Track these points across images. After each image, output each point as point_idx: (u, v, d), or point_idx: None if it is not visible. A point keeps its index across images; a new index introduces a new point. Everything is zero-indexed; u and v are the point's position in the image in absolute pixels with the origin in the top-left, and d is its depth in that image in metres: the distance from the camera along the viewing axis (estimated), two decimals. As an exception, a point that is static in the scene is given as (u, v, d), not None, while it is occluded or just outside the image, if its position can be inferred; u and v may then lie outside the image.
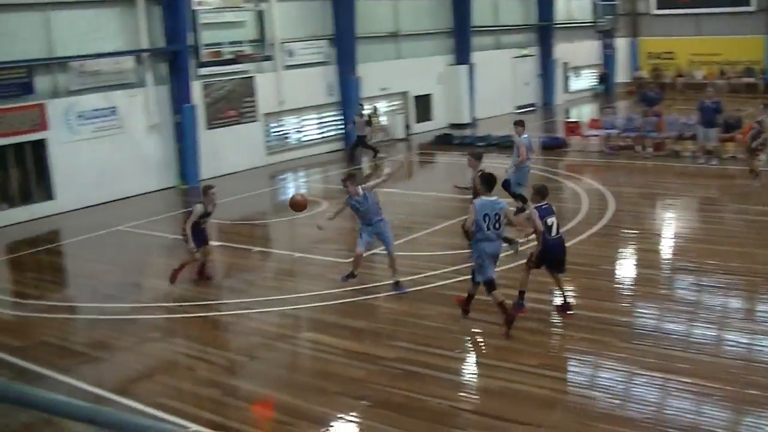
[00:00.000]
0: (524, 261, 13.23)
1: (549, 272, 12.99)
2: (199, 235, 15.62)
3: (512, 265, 14.40)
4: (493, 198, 12.34)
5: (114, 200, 24.82)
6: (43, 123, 23.35)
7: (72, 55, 23.96)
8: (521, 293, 12.90)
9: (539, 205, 12.77)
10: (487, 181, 12.60)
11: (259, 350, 12.41)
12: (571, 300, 12.94)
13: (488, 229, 12.05)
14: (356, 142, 30.72)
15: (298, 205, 15.01)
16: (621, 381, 10.48)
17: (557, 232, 12.81)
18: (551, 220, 12.69)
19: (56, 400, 3.08)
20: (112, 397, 10.75)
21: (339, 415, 9.92)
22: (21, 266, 18.91)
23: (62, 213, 23.49)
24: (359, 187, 14.58)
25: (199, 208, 15.44)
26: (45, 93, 23.53)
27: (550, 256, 12.82)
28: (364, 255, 14.91)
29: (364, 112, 31.15)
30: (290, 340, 12.74)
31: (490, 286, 12.11)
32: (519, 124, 19.97)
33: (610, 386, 10.30)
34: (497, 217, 12.05)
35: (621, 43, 50.12)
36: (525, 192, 17.79)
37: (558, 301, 13.04)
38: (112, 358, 12.49)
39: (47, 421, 9.77)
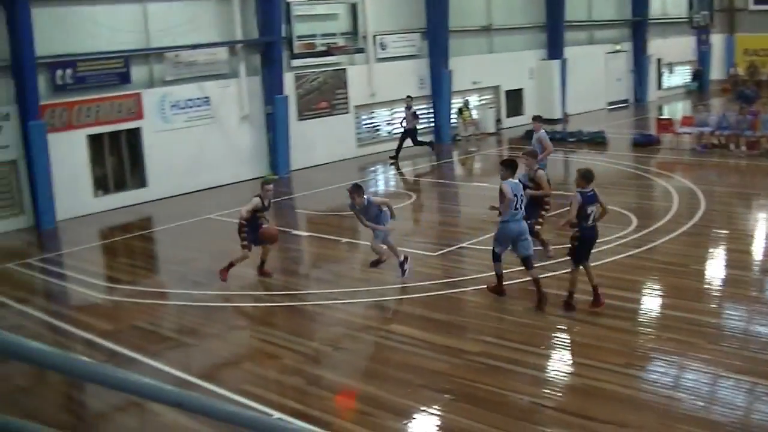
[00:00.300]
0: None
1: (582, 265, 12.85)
2: (255, 230, 15.37)
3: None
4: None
5: (204, 189, 25.21)
6: (138, 112, 23.85)
7: (167, 46, 24.41)
8: (571, 294, 12.79)
9: (584, 191, 12.50)
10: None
11: (344, 341, 12.42)
12: (601, 292, 12.64)
13: (590, 221, 12.56)
14: (406, 136, 29.53)
15: (266, 234, 15.24)
16: (707, 383, 10.16)
17: (593, 221, 12.61)
18: (592, 209, 12.53)
19: (145, 384, 3.08)
20: (198, 382, 10.87)
21: (421, 408, 9.85)
22: (114, 252, 19.33)
23: (154, 200, 23.96)
24: (365, 196, 14.58)
25: (256, 201, 15.37)
26: (141, 83, 24.04)
27: (582, 246, 12.71)
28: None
29: (412, 105, 30.03)
30: (375, 331, 12.72)
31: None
32: (537, 119, 19.54)
33: (696, 388, 9.99)
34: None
35: (716, 39, 48.79)
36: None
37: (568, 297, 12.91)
38: (199, 344, 12.64)
39: (135, 404, 9.97)
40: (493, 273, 13.60)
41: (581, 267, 12.79)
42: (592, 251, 12.99)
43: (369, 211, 14.59)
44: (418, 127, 30.06)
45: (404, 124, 29.53)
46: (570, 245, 12.84)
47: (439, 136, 32.62)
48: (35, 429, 3.69)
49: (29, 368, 11.22)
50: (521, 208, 13.15)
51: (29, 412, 10.25)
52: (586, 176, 12.61)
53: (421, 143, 29.78)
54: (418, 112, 30.01)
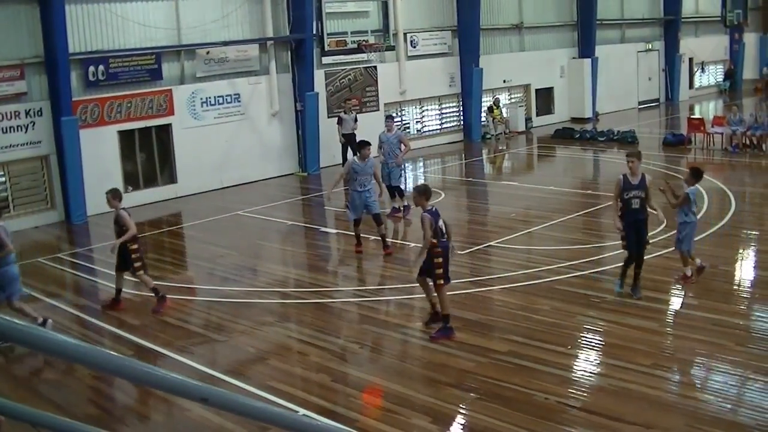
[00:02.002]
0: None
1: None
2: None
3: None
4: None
5: (234, 185, 25.33)
6: (169, 108, 24.00)
7: (199, 42, 24.53)
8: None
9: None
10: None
11: (371, 338, 12.42)
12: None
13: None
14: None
15: None
16: (734, 385, 10.06)
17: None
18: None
19: (172, 379, 3.10)
20: (224, 377, 10.92)
21: (447, 406, 9.83)
22: (143, 247, 19.42)
23: (184, 196, 24.10)
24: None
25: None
26: (172, 79, 24.17)
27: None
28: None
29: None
30: (402, 329, 12.70)
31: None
32: (389, 119, 21.57)
33: (723, 390, 9.89)
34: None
35: (750, 38, 48.32)
36: None
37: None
38: (226, 340, 12.69)
39: (162, 399, 10.03)
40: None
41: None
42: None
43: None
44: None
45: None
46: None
47: (468, 134, 32.58)
48: (64, 423, 3.73)
49: (58, 362, 11.33)
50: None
51: (58, 405, 10.34)
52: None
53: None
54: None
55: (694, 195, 13.75)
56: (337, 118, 27.13)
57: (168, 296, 14.26)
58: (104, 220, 21.43)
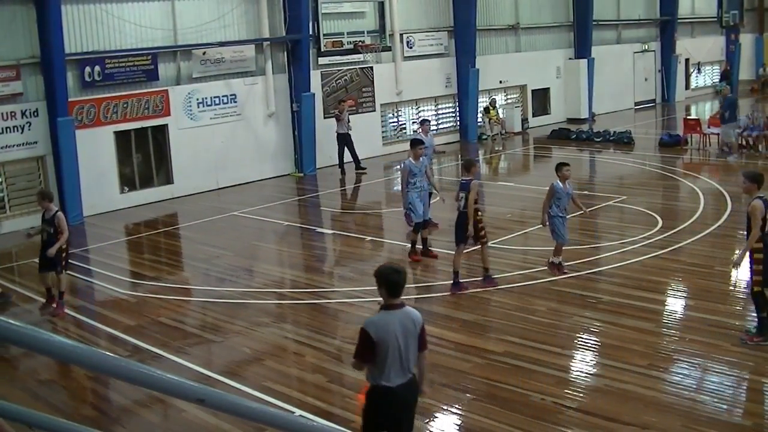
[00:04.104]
0: None
1: None
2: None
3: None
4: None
5: (230, 186, 25.32)
6: (165, 109, 23.98)
7: (195, 43, 24.52)
8: None
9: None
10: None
11: (367, 339, 12.42)
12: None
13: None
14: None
15: None
16: (730, 386, 10.09)
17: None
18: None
19: (168, 379, 3.11)
20: (220, 378, 10.91)
21: (443, 407, 9.84)
22: (139, 248, 19.45)
23: (180, 197, 24.09)
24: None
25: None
26: (168, 80, 24.16)
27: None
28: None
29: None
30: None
31: None
32: None
33: (719, 391, 9.92)
34: None
35: (746, 39, 48.36)
36: None
37: None
38: (222, 341, 12.68)
39: (158, 399, 10.02)
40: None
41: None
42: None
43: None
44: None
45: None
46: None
47: (465, 135, 32.62)
48: (60, 424, 3.73)
49: (54, 362, 11.32)
50: None
51: (53, 406, 10.33)
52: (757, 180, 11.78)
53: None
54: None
55: (560, 189, 14.33)
56: (335, 117, 27.23)
57: (162, 297, 14.26)
58: (101, 221, 21.55)
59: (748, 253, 11.33)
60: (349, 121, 26.97)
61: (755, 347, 10.96)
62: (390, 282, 7.16)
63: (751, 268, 11.19)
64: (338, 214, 21.84)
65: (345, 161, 26.99)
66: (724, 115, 28.10)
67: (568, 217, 14.80)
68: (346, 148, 26.90)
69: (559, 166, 14.59)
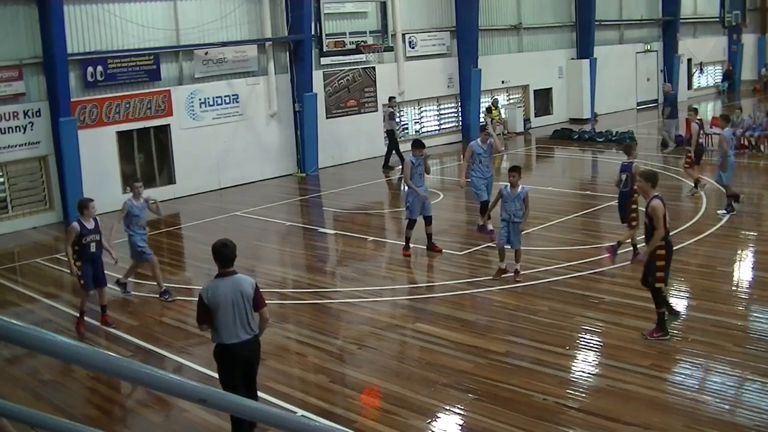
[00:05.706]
0: None
1: None
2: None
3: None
4: None
5: (232, 186, 25.34)
6: (168, 109, 24.00)
7: (197, 43, 24.53)
8: None
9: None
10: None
11: (369, 339, 12.40)
12: None
13: None
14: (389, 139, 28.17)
15: None
16: (732, 386, 10.07)
17: None
18: None
19: (170, 380, 3.11)
20: (223, 378, 10.91)
21: (445, 407, 9.83)
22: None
23: (182, 197, 24.10)
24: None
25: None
26: (170, 80, 24.18)
27: None
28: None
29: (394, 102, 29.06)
30: (400, 330, 12.70)
31: None
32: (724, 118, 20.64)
33: (721, 390, 9.90)
34: None
35: (748, 39, 48.34)
36: None
37: None
38: (225, 341, 12.66)
39: (161, 399, 10.02)
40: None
41: None
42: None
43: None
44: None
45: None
46: None
47: (467, 135, 32.59)
48: (62, 424, 3.73)
49: (56, 362, 11.32)
50: None
51: (56, 406, 10.34)
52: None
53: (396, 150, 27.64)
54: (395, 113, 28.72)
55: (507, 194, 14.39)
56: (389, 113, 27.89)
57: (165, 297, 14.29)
58: (102, 221, 21.48)
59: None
60: (392, 118, 27.71)
61: (756, 349, 10.97)
62: (220, 254, 8.88)
63: (653, 265, 11.23)
64: (340, 213, 21.81)
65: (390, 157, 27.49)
66: (665, 111, 29.32)
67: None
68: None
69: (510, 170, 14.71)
